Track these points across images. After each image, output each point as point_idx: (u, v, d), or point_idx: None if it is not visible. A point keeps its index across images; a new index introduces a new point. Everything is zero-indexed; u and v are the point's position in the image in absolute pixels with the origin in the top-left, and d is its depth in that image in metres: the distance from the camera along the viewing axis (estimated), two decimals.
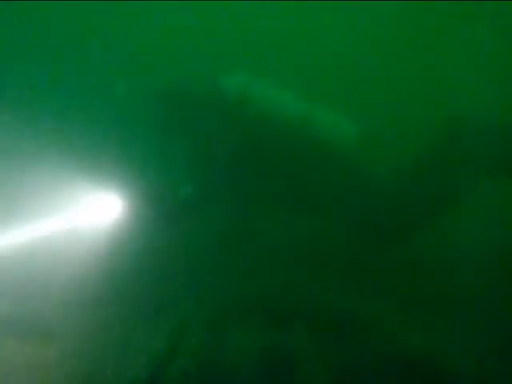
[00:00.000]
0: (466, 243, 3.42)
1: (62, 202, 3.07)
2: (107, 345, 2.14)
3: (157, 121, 3.36)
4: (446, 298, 2.78)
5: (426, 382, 1.91)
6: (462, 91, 4.56)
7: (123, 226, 3.17)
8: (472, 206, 3.26)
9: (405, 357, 2.06)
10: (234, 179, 3.21)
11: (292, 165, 3.12)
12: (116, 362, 1.97)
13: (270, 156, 3.12)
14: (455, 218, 3.27)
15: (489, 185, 3.09)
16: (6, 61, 5.66)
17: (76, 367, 1.93)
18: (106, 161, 3.86)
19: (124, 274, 3.01)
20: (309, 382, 1.87)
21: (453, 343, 2.22)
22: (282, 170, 3.12)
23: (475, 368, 2.01)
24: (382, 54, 6.13)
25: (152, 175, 3.73)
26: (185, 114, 3.29)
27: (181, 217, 3.21)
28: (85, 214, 3.09)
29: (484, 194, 3.21)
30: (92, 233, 3.11)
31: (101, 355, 2.04)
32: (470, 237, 3.49)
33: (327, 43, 6.36)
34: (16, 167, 3.68)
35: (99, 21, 6.65)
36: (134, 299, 2.69)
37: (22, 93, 5.14)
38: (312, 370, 1.94)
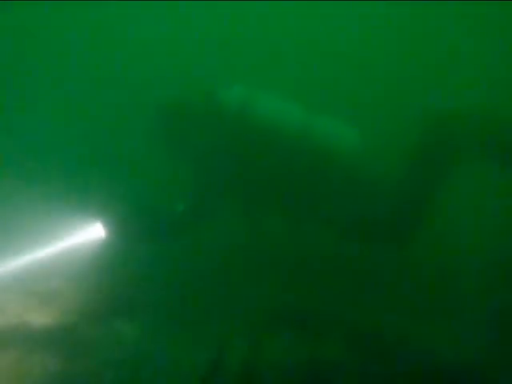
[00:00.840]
0: (462, 243, 3.42)
1: (59, 223, 3.08)
2: (149, 359, 2.18)
3: (155, 136, 3.33)
4: (454, 300, 2.83)
5: None
6: (465, 91, 4.56)
7: (125, 244, 3.18)
8: (468, 206, 3.28)
9: (442, 367, 2.09)
10: (235, 192, 3.19)
11: (295, 175, 3.09)
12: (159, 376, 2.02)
13: (272, 167, 3.10)
14: (451, 218, 3.29)
15: (485, 183, 3.11)
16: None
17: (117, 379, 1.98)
18: (99, 178, 3.93)
19: (150, 289, 3.07)
20: None
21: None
22: (284, 180, 3.10)
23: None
24: (381, 61, 6.15)
25: (150, 191, 3.78)
26: (184, 129, 3.27)
27: (180, 232, 3.17)
28: (83, 233, 3.08)
29: (480, 194, 3.23)
30: (98, 250, 3.12)
31: (142, 368, 2.08)
32: (466, 237, 3.49)
33: (325, 51, 6.39)
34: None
35: (98, 34, 6.71)
36: (169, 313, 2.72)
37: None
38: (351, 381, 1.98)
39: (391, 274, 3.24)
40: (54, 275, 3.08)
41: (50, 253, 2.98)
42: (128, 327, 2.54)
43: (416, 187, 3.02)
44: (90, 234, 3.06)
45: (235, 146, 3.11)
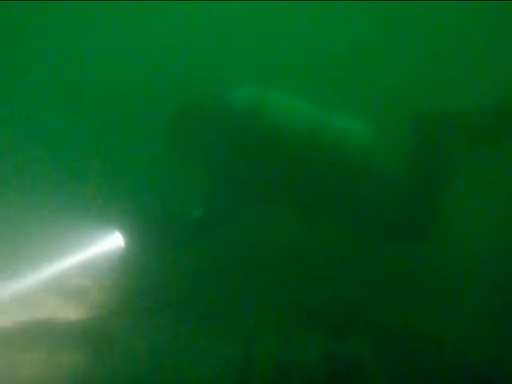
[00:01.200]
0: (477, 241, 3.45)
1: (78, 233, 3.16)
2: (177, 354, 2.22)
3: (168, 141, 3.36)
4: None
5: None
6: (476, 86, 4.56)
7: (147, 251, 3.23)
8: (481, 204, 3.30)
9: (465, 361, 2.13)
10: (251, 193, 3.19)
11: (308, 174, 3.09)
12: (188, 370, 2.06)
13: (285, 166, 3.10)
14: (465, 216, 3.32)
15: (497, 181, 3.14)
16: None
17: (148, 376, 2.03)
18: (115, 186, 3.97)
19: (175, 286, 3.14)
20: None
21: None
22: (298, 179, 3.10)
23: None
24: (393, 57, 6.12)
25: (164, 199, 3.80)
26: (196, 133, 3.28)
27: (196, 238, 3.18)
28: (102, 242, 3.14)
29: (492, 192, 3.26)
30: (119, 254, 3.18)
31: (171, 364, 2.13)
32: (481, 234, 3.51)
33: (334, 46, 6.35)
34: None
35: (105, 37, 6.68)
36: (195, 310, 2.79)
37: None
38: (371, 376, 2.02)
39: (412, 272, 3.26)
40: (80, 275, 3.15)
41: (73, 259, 3.06)
42: (156, 323, 2.59)
43: (427, 184, 3.04)
44: (109, 242, 3.11)
45: (247, 147, 3.10)
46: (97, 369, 2.07)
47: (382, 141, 3.20)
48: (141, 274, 3.28)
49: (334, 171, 3.08)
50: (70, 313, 2.69)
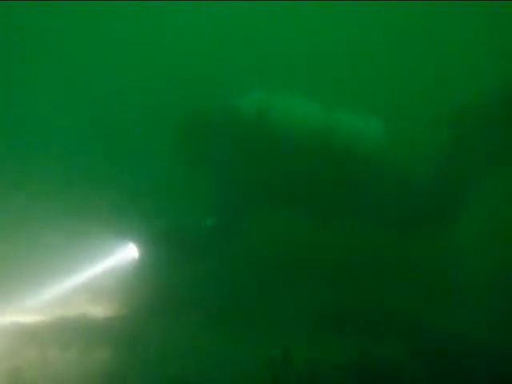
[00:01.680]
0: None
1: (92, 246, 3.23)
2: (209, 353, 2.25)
3: (176, 152, 3.34)
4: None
5: None
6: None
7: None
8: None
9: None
10: (261, 198, 3.16)
11: (322, 176, 3.06)
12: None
13: (298, 170, 3.07)
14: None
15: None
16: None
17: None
18: (125, 197, 4.00)
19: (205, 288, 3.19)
20: None
21: None
22: (313, 182, 3.07)
23: None
24: (405, 53, 6.08)
25: (174, 209, 3.80)
26: (204, 143, 3.25)
27: (207, 248, 3.13)
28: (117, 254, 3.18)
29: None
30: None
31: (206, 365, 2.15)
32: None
33: (342, 44, 6.31)
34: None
35: (111, 44, 6.72)
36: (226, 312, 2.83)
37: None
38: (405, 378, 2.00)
39: (436, 271, 3.23)
40: (108, 279, 3.20)
41: (101, 265, 3.17)
42: (185, 323, 2.64)
43: (444, 183, 3.02)
44: (124, 254, 3.15)
45: (258, 152, 3.07)
46: (126, 366, 2.12)
47: (394, 138, 3.15)
48: (167, 276, 3.29)
49: (347, 171, 3.05)
50: (100, 314, 2.81)
